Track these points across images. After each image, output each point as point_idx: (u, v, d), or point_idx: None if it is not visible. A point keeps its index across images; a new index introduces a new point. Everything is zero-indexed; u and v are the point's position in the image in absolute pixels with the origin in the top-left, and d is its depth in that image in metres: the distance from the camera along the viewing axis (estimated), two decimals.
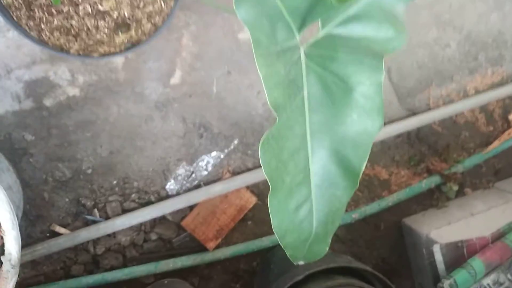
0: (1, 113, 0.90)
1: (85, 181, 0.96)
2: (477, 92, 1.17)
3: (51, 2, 0.73)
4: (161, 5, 0.78)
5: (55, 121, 0.92)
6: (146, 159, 0.98)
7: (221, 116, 1.02)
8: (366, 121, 0.51)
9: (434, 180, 1.13)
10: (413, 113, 1.13)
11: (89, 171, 0.95)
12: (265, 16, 0.46)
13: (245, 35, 1.01)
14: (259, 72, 0.47)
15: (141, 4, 0.77)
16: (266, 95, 0.47)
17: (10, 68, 0.88)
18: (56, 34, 0.74)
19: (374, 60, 0.50)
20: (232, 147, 1.03)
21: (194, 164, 1.01)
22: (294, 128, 0.50)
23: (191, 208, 1.02)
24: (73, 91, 0.92)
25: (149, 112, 0.97)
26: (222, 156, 1.03)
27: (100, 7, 0.75)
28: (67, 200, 0.95)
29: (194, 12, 0.96)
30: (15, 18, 0.72)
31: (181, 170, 1.01)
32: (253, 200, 1.03)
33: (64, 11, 0.74)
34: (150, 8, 0.77)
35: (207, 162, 1.02)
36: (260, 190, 1.06)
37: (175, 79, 0.98)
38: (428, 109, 1.14)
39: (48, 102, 0.91)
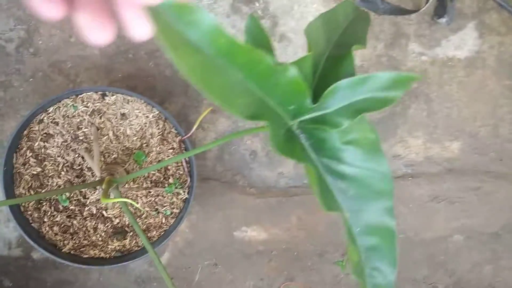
0: None
1: None
2: None
3: (58, 200, 0.77)
4: (161, 220, 0.82)
5: (37, 274, 0.95)
6: None
7: None
8: None
9: None
10: None
11: None
12: None
13: (241, 233, 1.04)
14: None
15: (144, 215, 0.81)
16: None
17: (11, 216, 0.93)
18: (55, 229, 0.78)
19: None
20: None
21: None
22: None
23: None
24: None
25: (127, 285, 0.99)
26: None
27: (104, 213, 0.79)
28: None
29: (198, 203, 1.00)
30: (22, 208, 0.76)
31: None
32: None
33: (70, 208, 0.78)
34: (151, 220, 0.81)
35: None
36: None
37: (162, 260, 1.00)
38: None
39: (36, 255, 0.94)
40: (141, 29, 0.23)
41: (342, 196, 0.46)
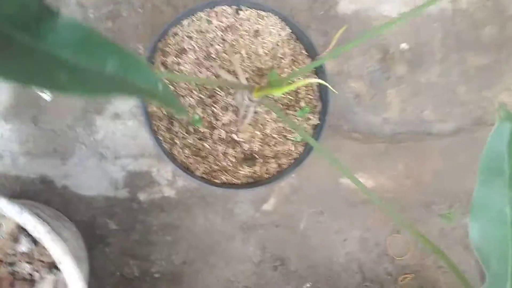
0: (94, 195, 0.89)
1: (150, 284, 0.91)
2: None
3: (189, 121, 0.73)
4: (290, 148, 0.77)
5: (143, 217, 0.90)
6: (214, 278, 0.94)
7: (301, 254, 0.97)
8: None
9: None
10: None
11: (157, 275, 0.91)
12: None
13: (346, 180, 0.99)
14: None
15: (272, 142, 0.76)
16: None
17: (118, 155, 0.88)
18: (187, 151, 0.73)
19: None
20: None
21: None
22: None
23: None
24: (169, 192, 0.90)
25: (233, 232, 0.94)
26: None
27: (234, 136, 0.75)
28: None
29: None
30: (154, 127, 0.72)
31: None
32: None
33: (201, 131, 0.74)
34: (279, 148, 0.77)
35: None
36: None
37: (268, 206, 0.95)
38: None
39: (142, 196, 0.90)
40: None
41: None
